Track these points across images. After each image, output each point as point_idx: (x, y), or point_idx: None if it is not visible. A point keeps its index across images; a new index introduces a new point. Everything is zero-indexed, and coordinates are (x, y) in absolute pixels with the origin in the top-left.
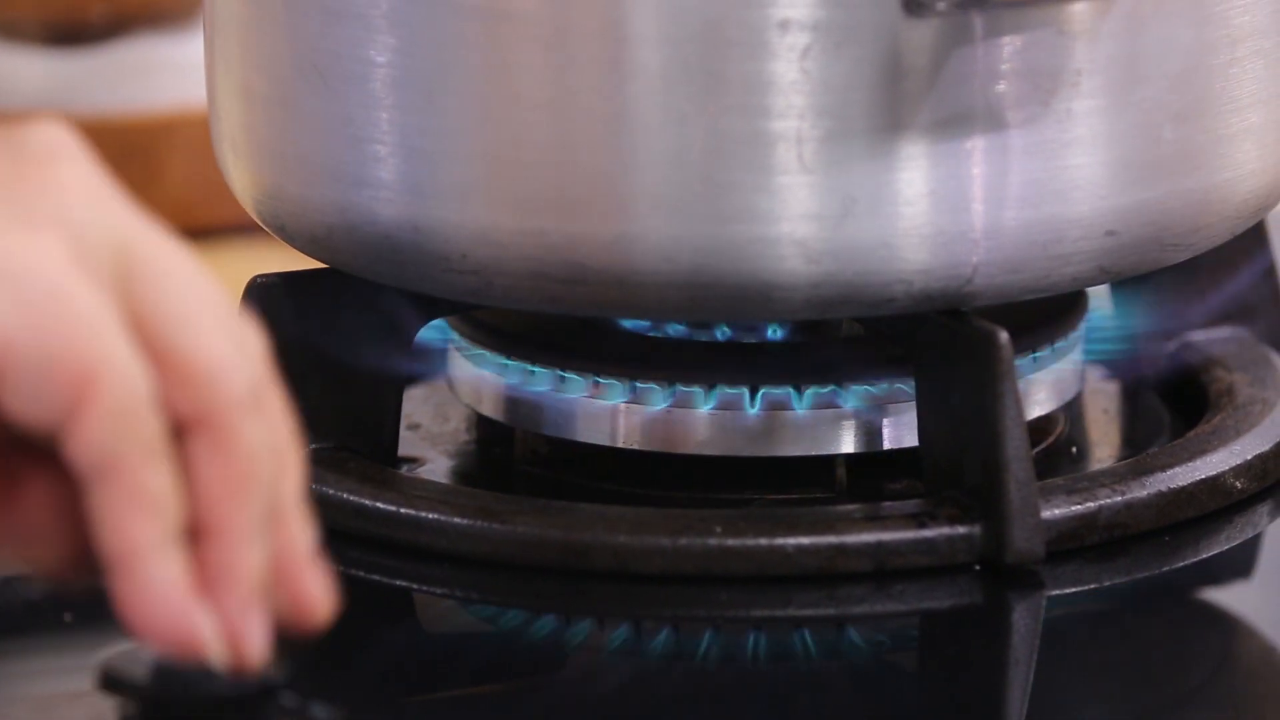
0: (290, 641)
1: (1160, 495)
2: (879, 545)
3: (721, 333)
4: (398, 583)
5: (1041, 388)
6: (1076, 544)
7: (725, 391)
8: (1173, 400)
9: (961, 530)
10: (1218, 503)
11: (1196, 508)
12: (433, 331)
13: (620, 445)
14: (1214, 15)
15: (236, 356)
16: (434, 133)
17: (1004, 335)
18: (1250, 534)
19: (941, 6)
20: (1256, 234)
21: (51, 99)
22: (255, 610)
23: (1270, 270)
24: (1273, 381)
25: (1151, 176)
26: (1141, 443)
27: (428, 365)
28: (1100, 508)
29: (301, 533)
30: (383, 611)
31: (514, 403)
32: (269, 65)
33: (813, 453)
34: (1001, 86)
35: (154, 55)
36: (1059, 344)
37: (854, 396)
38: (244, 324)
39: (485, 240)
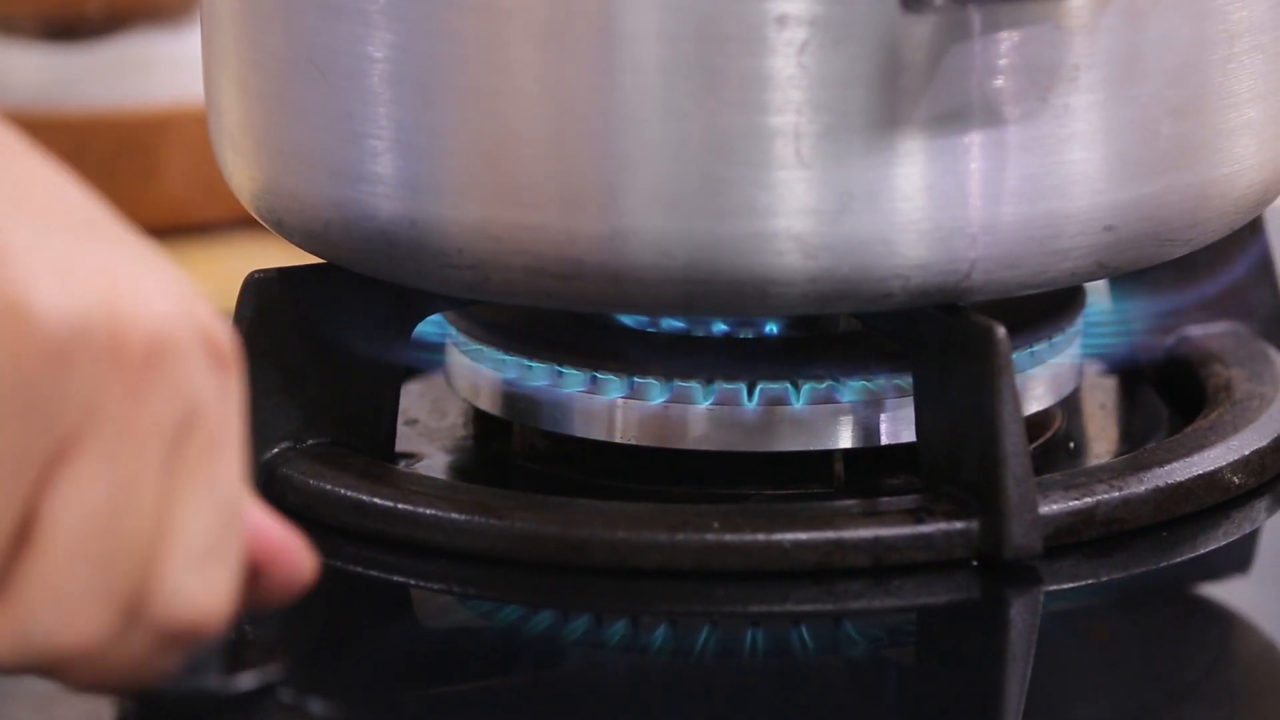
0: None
1: (1158, 491)
2: (876, 541)
3: (719, 328)
4: (395, 578)
5: (1039, 383)
6: (1074, 539)
7: (723, 387)
8: (1170, 395)
9: (959, 525)
10: (1215, 498)
11: (1194, 503)
12: (430, 327)
13: (618, 440)
14: (1212, 10)
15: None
16: (431, 128)
17: (1001, 330)
18: (1248, 529)
19: (939, 2)
20: (1254, 229)
21: (49, 94)
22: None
23: (1268, 265)
24: (1270, 376)
25: (1149, 172)
26: (1139, 438)
27: (425, 360)
28: (1098, 503)
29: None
30: (380, 607)
31: (511, 398)
32: (266, 61)
33: (810, 448)
34: (999, 82)
35: (151, 51)
36: (1056, 339)
37: (851, 392)
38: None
39: (482, 235)
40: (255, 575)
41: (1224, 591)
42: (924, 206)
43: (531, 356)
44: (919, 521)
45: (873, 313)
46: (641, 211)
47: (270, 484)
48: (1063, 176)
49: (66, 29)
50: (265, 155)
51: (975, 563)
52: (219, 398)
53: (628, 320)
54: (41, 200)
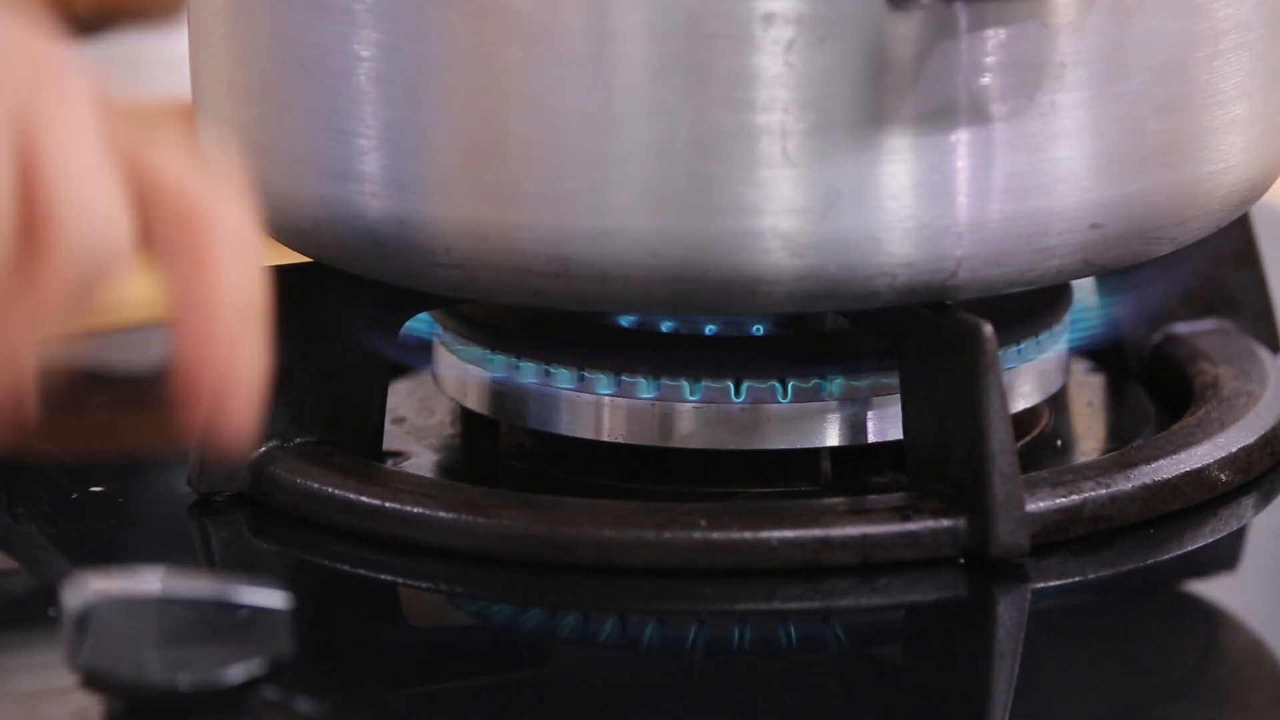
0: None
1: (1145, 488)
2: (864, 538)
3: (706, 326)
4: (383, 577)
5: (1026, 380)
6: (1061, 537)
7: (710, 385)
8: (1157, 393)
9: (946, 523)
10: (1202, 495)
11: (1181, 500)
12: (418, 325)
13: (605, 438)
14: (1198, 8)
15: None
16: (418, 127)
17: (988, 328)
18: (1235, 527)
19: (925, 0)
20: (1241, 226)
21: None
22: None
23: (1255, 263)
24: (1257, 374)
25: (1136, 169)
26: (1126, 435)
27: (413, 359)
28: (1085, 500)
29: (250, 359)
30: (368, 606)
31: (499, 396)
32: (254, 59)
33: (798, 446)
34: (986, 79)
35: (139, 49)
36: (1043, 337)
37: (839, 390)
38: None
39: (469, 234)
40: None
41: (1211, 589)
42: (911, 204)
43: (519, 355)
44: (906, 519)
45: (860, 311)
46: (628, 210)
47: (258, 482)
48: (1049, 174)
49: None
50: (253, 154)
51: (962, 560)
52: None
53: (615, 319)
54: None
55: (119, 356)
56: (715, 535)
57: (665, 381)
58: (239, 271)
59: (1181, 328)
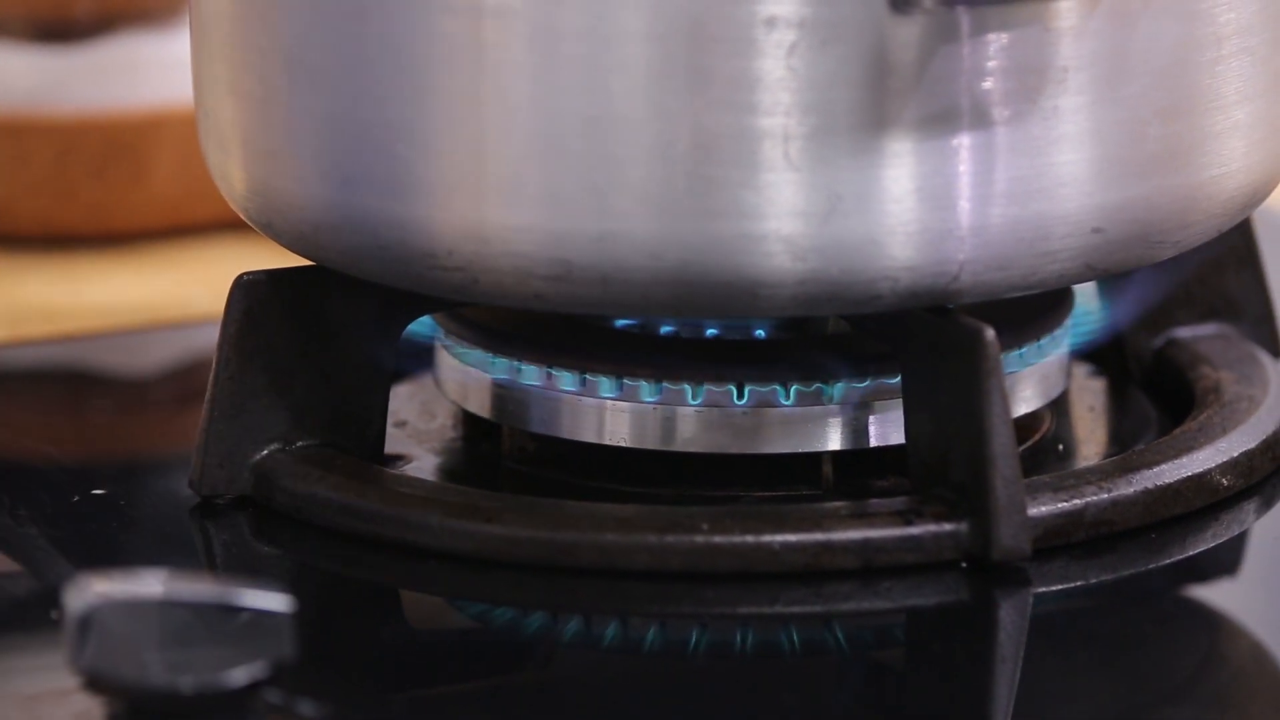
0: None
1: (1147, 493)
2: (865, 542)
3: (708, 329)
4: (384, 580)
5: (1028, 385)
6: (1063, 541)
7: (712, 388)
8: (1159, 397)
9: (948, 527)
10: (1204, 500)
11: (1183, 505)
12: (419, 328)
13: (607, 442)
14: (1200, 12)
15: None
16: (420, 130)
17: (990, 332)
18: (1236, 531)
19: (927, 3)
20: (1243, 231)
21: (38, 96)
22: None
23: (1256, 267)
24: (1259, 379)
25: (1138, 173)
26: (1128, 440)
27: (414, 362)
28: (1086, 505)
29: None
30: (370, 609)
31: (501, 399)
32: (255, 62)
33: (799, 450)
34: (988, 83)
35: (140, 52)
36: (1045, 341)
37: (840, 393)
38: None
39: (471, 237)
40: None
41: (1213, 593)
42: (913, 208)
43: (520, 358)
44: (908, 523)
45: (862, 314)
46: (630, 213)
47: (259, 485)
48: (1051, 178)
49: (56, 30)
50: (254, 157)
51: (964, 564)
52: None
53: (617, 322)
54: None
55: (120, 360)
56: (717, 539)
57: (667, 385)
58: None
59: (1183, 332)
